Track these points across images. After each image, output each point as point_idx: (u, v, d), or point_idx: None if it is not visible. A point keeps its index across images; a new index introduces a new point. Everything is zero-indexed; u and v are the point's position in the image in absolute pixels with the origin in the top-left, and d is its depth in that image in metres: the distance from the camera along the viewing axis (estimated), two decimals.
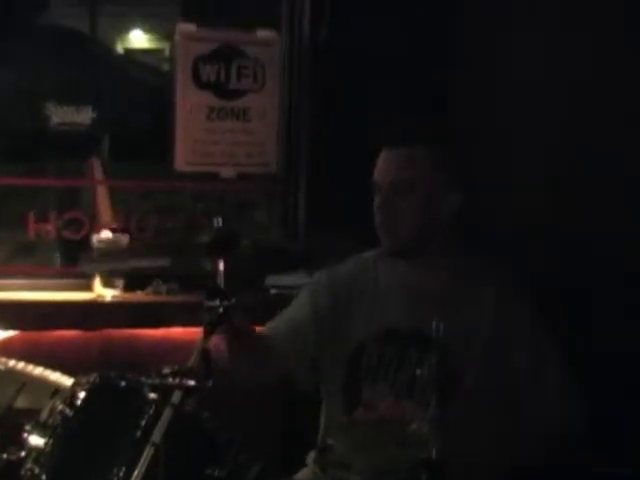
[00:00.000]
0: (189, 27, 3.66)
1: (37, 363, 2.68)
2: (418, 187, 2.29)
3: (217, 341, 2.23)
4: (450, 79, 3.46)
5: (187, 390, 2.03)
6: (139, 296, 3.50)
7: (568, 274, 3.12)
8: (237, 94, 3.65)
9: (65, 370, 2.63)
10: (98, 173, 5.43)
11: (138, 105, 6.03)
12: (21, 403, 2.47)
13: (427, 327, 2.13)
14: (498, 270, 2.42)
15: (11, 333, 3.27)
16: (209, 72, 3.60)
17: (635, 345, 3.05)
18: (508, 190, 3.31)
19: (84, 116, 5.64)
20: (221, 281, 2.19)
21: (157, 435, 1.99)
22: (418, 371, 1.90)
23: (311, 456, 2.51)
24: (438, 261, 2.39)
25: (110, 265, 3.20)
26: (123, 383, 2.23)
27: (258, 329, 2.50)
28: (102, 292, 3.42)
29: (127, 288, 3.47)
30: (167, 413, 2.01)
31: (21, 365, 2.66)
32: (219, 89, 3.62)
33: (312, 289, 2.54)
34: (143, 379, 2.18)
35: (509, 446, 2.31)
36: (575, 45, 3.16)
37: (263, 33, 3.71)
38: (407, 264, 2.41)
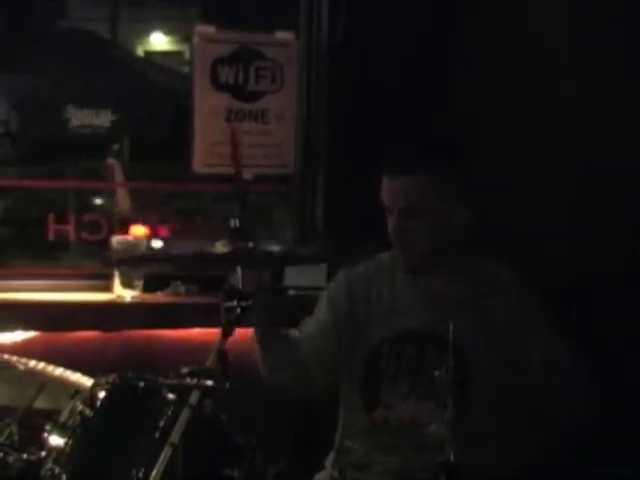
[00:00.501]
0: (208, 29, 3.67)
1: (57, 364, 2.70)
2: (424, 212, 2.35)
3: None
4: (452, 81, 3.46)
5: (205, 391, 2.04)
6: (158, 297, 3.52)
7: (576, 276, 3.12)
8: (255, 96, 3.65)
9: (84, 371, 2.65)
10: (118, 175, 5.46)
11: (157, 108, 6.07)
12: (41, 404, 2.49)
13: (443, 329, 2.17)
14: (508, 273, 2.44)
15: (31, 334, 3.29)
16: (227, 74, 3.61)
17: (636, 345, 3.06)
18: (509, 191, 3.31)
19: (103, 119, 5.68)
20: (238, 282, 2.20)
21: (175, 435, 2.00)
22: (436, 373, 1.90)
23: (330, 458, 2.51)
24: (453, 268, 2.42)
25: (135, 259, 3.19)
26: (142, 384, 2.24)
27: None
28: (121, 293, 3.44)
29: (146, 289, 3.49)
30: (185, 414, 2.02)
31: (41, 366, 2.67)
32: (237, 91, 3.63)
33: (330, 296, 2.57)
34: (161, 380, 2.20)
35: (526, 446, 2.31)
36: (582, 43, 3.16)
37: (281, 35, 3.71)
38: (425, 273, 2.44)
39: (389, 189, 2.38)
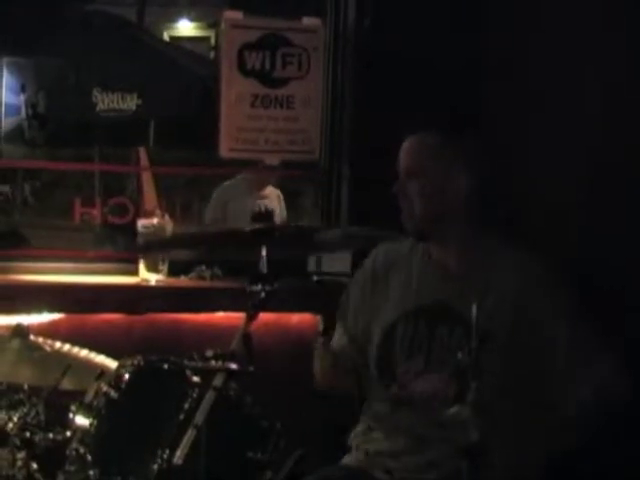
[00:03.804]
0: (235, 15, 3.67)
1: (82, 346, 2.72)
2: (424, 173, 2.41)
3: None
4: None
5: (229, 373, 2.06)
6: (183, 281, 3.53)
7: (601, 264, 3.09)
8: (281, 82, 3.65)
9: (109, 353, 2.67)
10: (143, 159, 5.48)
11: (183, 92, 6.08)
12: (66, 384, 2.51)
13: (454, 304, 2.34)
14: (522, 253, 2.46)
15: (57, 316, 3.31)
16: (254, 60, 3.61)
17: None
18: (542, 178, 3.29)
19: (130, 103, 5.70)
20: (264, 266, 2.21)
21: (200, 417, 2.01)
22: (459, 354, 1.91)
23: (352, 438, 2.53)
24: (464, 243, 2.45)
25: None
26: (166, 366, 2.26)
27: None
28: (146, 276, 3.46)
29: (171, 273, 3.50)
30: (210, 396, 2.03)
31: (66, 347, 2.70)
32: (264, 77, 3.63)
33: (360, 280, 2.59)
34: (186, 362, 2.21)
35: (545, 431, 2.32)
36: (609, 48, 3.12)
37: (308, 21, 3.71)
38: (437, 248, 2.48)
39: (402, 149, 2.47)
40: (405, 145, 2.47)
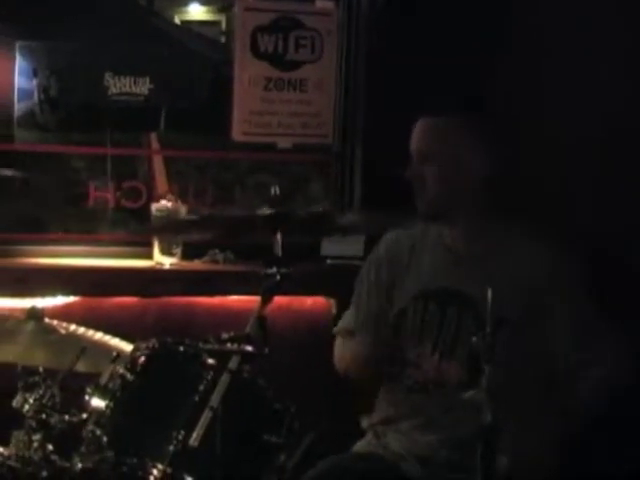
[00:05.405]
0: None
1: (96, 328, 2.73)
2: (437, 155, 2.41)
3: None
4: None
5: (244, 356, 2.06)
6: (196, 265, 3.54)
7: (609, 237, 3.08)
8: (294, 65, 3.65)
9: (122, 336, 2.68)
10: (155, 143, 5.48)
11: (195, 76, 6.07)
12: (81, 367, 2.52)
13: (464, 287, 2.36)
14: (536, 236, 2.46)
15: (72, 299, 3.33)
16: (267, 43, 3.60)
17: None
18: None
19: (141, 87, 5.69)
20: (279, 250, 2.21)
21: (215, 399, 2.02)
22: (473, 338, 1.91)
23: (366, 421, 2.54)
24: (476, 226, 2.46)
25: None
26: (182, 348, 2.27)
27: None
28: (160, 260, 3.46)
29: (184, 257, 3.51)
30: (225, 378, 2.04)
31: (81, 330, 2.71)
32: (277, 60, 3.62)
33: (374, 263, 2.60)
34: (201, 345, 2.22)
35: (557, 415, 2.32)
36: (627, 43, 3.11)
37: (321, 3, 3.70)
38: (449, 232, 2.48)
39: (414, 131, 2.47)
40: (416, 128, 2.46)
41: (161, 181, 4.54)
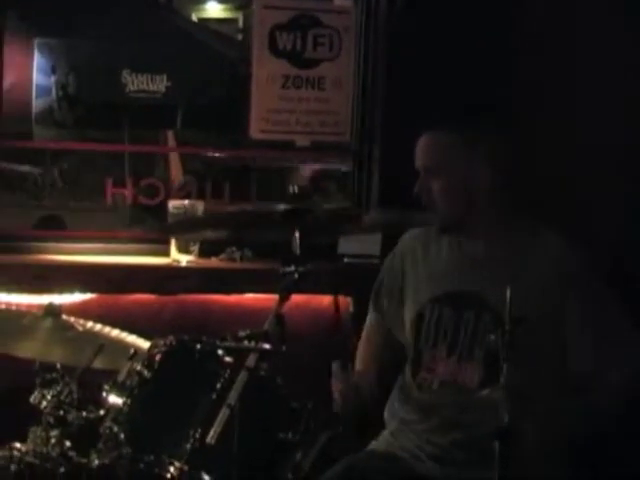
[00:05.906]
0: None
1: (113, 325, 2.74)
2: (443, 170, 2.39)
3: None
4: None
5: (262, 354, 2.06)
6: (213, 262, 3.54)
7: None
8: (313, 63, 3.64)
9: (139, 333, 2.68)
10: (172, 141, 5.50)
11: (212, 74, 6.07)
12: (98, 364, 2.53)
13: (480, 290, 2.34)
14: (554, 236, 2.43)
15: (89, 296, 3.34)
16: (285, 40, 3.60)
17: None
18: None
19: (159, 84, 5.69)
20: (296, 248, 2.21)
21: (233, 397, 2.01)
22: (491, 337, 1.90)
23: (385, 417, 2.53)
24: (494, 230, 2.43)
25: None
26: (199, 346, 2.27)
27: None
28: (177, 257, 3.47)
29: (201, 254, 3.51)
30: (242, 376, 2.04)
31: (98, 327, 2.72)
32: (295, 57, 3.62)
33: (390, 266, 2.59)
34: (218, 342, 2.22)
35: (574, 414, 2.31)
36: None
37: (340, 1, 3.70)
38: (465, 236, 2.46)
39: (417, 146, 2.44)
40: (420, 144, 2.44)
41: (178, 178, 4.55)
